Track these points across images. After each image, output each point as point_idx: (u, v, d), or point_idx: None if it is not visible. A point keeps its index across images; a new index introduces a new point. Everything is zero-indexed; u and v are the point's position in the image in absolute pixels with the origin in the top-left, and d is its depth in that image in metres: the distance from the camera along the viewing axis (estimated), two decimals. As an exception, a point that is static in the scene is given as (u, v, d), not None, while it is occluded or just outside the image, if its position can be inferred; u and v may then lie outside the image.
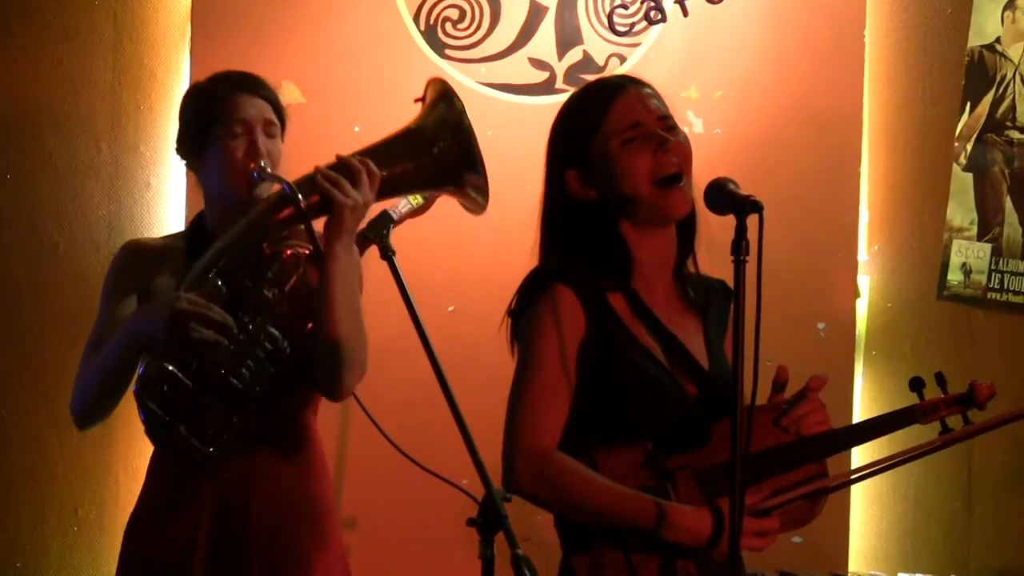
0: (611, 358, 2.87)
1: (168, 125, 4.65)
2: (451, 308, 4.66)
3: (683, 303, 3.01)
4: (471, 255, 4.66)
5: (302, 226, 3.17)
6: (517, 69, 4.72)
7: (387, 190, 3.20)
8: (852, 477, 3.00)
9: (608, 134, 2.91)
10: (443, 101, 3.25)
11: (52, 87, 4.70)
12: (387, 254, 3.15)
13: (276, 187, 3.18)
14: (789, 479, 2.84)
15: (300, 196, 3.11)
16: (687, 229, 2.97)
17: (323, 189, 3.12)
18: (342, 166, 3.15)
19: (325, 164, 3.16)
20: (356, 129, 4.60)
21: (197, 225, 3.41)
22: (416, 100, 3.30)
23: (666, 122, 2.93)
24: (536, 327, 2.89)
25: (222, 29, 4.64)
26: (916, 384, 2.91)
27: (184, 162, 3.42)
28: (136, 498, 3.42)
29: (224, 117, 3.29)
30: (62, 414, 4.35)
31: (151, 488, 3.39)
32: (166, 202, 4.71)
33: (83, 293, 4.61)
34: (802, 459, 2.87)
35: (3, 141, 4.68)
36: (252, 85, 3.36)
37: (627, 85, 2.97)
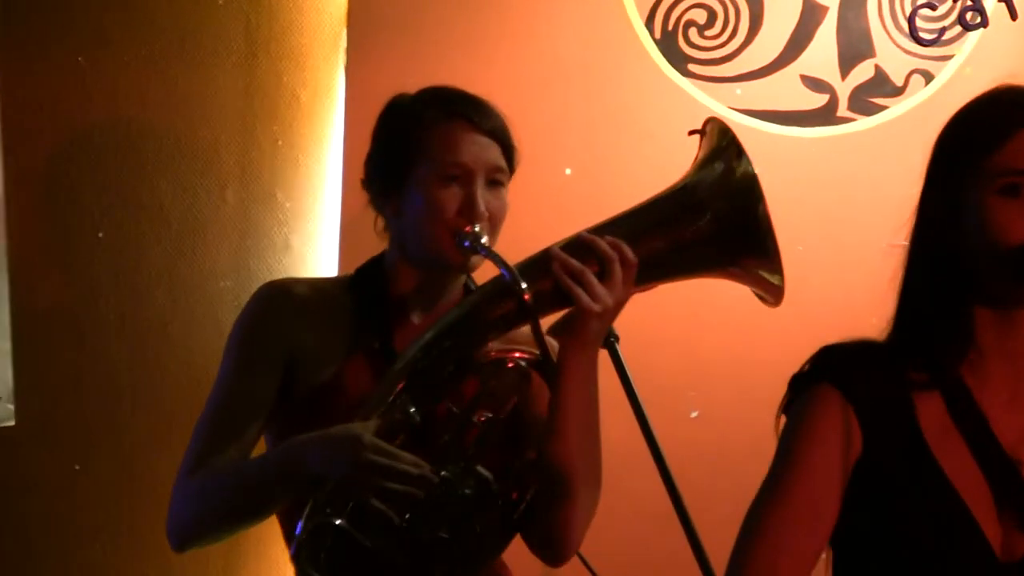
0: (889, 489, 2.49)
1: (315, 166, 4.16)
2: (695, 414, 4.29)
3: None
4: (723, 341, 4.26)
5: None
6: (786, 90, 4.28)
7: (642, 276, 2.79)
8: None
9: (992, 172, 2.45)
10: (721, 152, 2.85)
11: (164, 117, 4.11)
12: (608, 339, 2.83)
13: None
14: None
15: (524, 286, 2.73)
16: None
17: (563, 285, 2.74)
18: (587, 249, 2.75)
19: (561, 243, 2.78)
20: (567, 172, 4.20)
21: (371, 273, 3.05)
22: (691, 133, 2.89)
23: None
24: (791, 438, 2.57)
25: (386, 38, 4.18)
26: None
27: (370, 198, 3.04)
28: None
29: (435, 154, 2.91)
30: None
31: None
32: (310, 269, 4.21)
33: (194, 374, 4.12)
34: None
35: (99, 185, 4.06)
36: (479, 114, 2.96)
37: None
